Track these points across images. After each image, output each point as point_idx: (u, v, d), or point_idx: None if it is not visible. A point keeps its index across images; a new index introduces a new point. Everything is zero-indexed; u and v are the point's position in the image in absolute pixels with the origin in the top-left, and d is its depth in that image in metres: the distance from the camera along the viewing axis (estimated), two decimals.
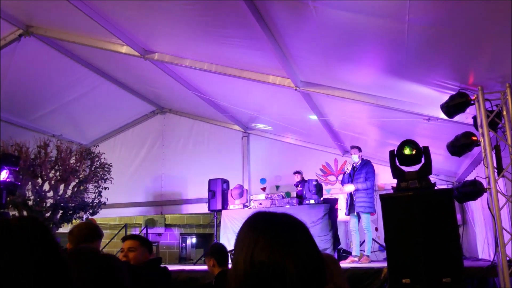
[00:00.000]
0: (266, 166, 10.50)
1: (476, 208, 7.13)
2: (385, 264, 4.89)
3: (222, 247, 4.19)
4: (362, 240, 7.53)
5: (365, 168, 7.30)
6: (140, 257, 3.45)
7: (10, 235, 1.09)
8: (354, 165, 7.43)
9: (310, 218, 7.32)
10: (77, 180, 9.15)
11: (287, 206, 8.04)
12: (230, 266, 4.22)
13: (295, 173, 8.88)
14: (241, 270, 1.08)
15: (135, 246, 3.47)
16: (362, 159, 7.43)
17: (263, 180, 10.45)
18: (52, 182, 8.71)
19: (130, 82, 9.65)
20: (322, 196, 8.18)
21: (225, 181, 9.32)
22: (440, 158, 6.90)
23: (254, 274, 1.06)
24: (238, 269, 1.09)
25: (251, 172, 10.69)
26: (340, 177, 9.62)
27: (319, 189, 8.07)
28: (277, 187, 10.21)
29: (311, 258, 1.11)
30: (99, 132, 11.60)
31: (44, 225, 1.19)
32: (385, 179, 8.23)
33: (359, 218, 7.30)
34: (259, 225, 1.14)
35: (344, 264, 6.72)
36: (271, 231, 1.12)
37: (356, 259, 7.08)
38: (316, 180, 8.25)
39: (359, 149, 7.47)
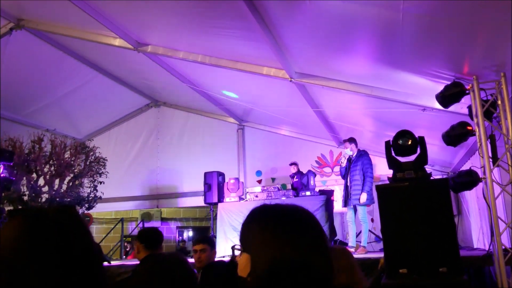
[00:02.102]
0: (262, 158, 10.50)
1: (471, 198, 7.16)
2: (381, 255, 4.91)
3: (150, 232, 4.10)
4: (358, 231, 7.55)
5: (361, 159, 7.27)
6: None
7: (46, 226, 1.02)
8: (351, 157, 7.42)
9: None
10: (72, 175, 9.10)
11: (283, 198, 8.04)
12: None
13: (291, 164, 8.87)
14: (265, 270, 1.04)
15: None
16: (359, 150, 7.41)
17: (258, 173, 10.45)
18: (47, 177, 8.67)
19: (124, 75, 9.59)
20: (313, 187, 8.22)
21: (221, 174, 9.31)
22: (435, 149, 6.91)
23: (282, 273, 1.03)
24: (261, 269, 1.05)
25: (246, 164, 10.68)
26: (336, 169, 9.67)
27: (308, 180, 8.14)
28: (273, 179, 10.21)
29: (329, 251, 1.11)
30: (93, 126, 11.53)
31: (82, 220, 1.12)
32: (381, 170, 8.23)
33: (355, 209, 7.31)
34: (283, 222, 1.11)
35: None
36: (298, 228, 1.10)
37: (353, 250, 7.10)
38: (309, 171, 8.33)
39: (350, 141, 7.42)
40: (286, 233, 1.08)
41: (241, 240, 1.15)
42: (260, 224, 1.12)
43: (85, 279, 1.00)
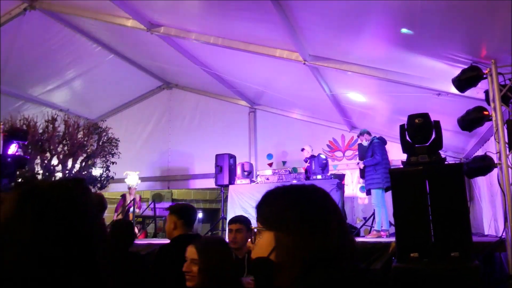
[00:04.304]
0: (273, 141, 10.49)
1: (483, 185, 7.11)
2: (393, 239, 4.91)
3: (189, 208, 3.65)
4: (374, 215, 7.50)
5: (371, 146, 7.26)
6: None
7: (38, 201, 0.98)
8: (367, 146, 7.45)
9: None
10: (85, 155, 9.19)
11: (294, 181, 8.04)
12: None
13: (302, 150, 8.80)
14: (301, 247, 1.04)
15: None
16: (373, 137, 7.38)
17: (269, 156, 10.45)
18: (60, 156, 8.77)
19: (137, 56, 9.59)
20: (327, 172, 8.18)
21: (232, 156, 9.32)
22: (448, 134, 6.84)
23: (331, 256, 1.03)
24: (299, 250, 1.04)
25: (257, 147, 10.69)
26: (348, 153, 9.69)
27: (326, 165, 8.09)
28: (284, 162, 10.21)
29: (347, 225, 1.14)
30: (106, 107, 11.60)
31: (82, 195, 1.05)
32: (392, 154, 8.17)
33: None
34: (328, 206, 1.12)
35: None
36: (337, 211, 1.11)
37: (385, 233, 7.01)
38: (324, 156, 8.28)
39: (362, 133, 7.46)
40: (323, 214, 1.08)
41: (268, 218, 1.11)
42: (298, 204, 1.10)
43: (80, 256, 0.97)
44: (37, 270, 0.92)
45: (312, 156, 8.53)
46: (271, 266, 1.05)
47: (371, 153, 7.16)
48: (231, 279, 2.15)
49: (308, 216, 1.07)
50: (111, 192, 11.89)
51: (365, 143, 7.46)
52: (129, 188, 9.80)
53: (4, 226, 0.95)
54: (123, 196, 9.70)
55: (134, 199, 9.56)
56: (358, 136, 7.66)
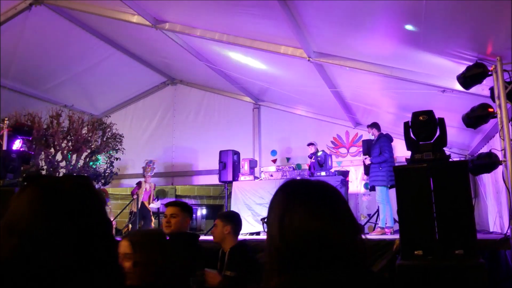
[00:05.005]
0: (277, 138, 10.49)
1: (488, 182, 7.08)
2: (397, 236, 4.89)
3: (239, 215, 3.87)
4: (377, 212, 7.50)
5: (378, 143, 7.24)
6: (182, 223, 3.49)
7: (63, 198, 0.99)
8: (373, 142, 7.44)
9: None
10: (89, 151, 9.22)
11: (298, 178, 8.03)
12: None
13: (308, 145, 8.80)
14: (277, 239, 1.05)
15: (176, 213, 3.50)
16: (380, 133, 7.36)
17: (273, 152, 10.45)
18: (65, 152, 8.80)
19: (141, 52, 9.59)
20: (330, 168, 8.17)
21: (236, 153, 9.33)
22: (453, 131, 6.82)
23: (292, 242, 1.04)
24: (274, 238, 1.07)
25: (261, 143, 10.69)
26: (352, 150, 9.67)
27: (324, 161, 8.09)
28: (288, 159, 10.21)
29: (351, 224, 1.10)
30: (110, 102, 11.61)
31: (98, 192, 1.07)
32: (397, 151, 8.16)
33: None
34: (295, 192, 1.12)
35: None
36: (310, 198, 1.10)
37: (389, 230, 6.99)
38: (323, 151, 8.27)
39: (372, 127, 7.45)
40: (297, 204, 1.08)
41: None
42: (276, 197, 1.14)
43: (99, 251, 0.98)
44: (46, 265, 0.92)
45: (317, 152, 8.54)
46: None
47: (379, 150, 7.13)
48: (174, 273, 2.04)
49: (273, 210, 1.10)
50: (115, 188, 11.94)
51: (371, 137, 7.45)
52: (144, 176, 9.77)
53: (22, 220, 0.95)
54: (139, 183, 9.65)
55: (145, 189, 9.54)
56: (368, 127, 7.61)
